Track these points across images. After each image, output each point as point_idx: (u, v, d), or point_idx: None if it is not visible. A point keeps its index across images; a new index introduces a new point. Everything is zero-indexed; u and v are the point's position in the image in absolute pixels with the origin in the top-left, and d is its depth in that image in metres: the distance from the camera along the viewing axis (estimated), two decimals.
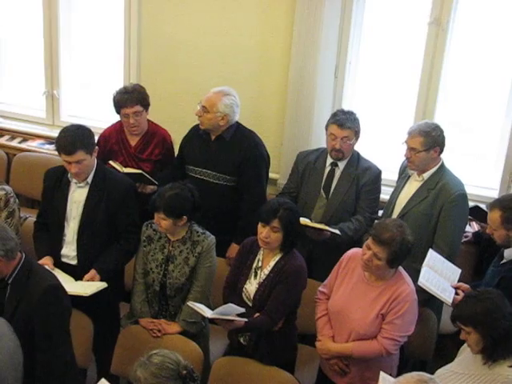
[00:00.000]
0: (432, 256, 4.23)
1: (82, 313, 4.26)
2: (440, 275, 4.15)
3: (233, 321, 3.91)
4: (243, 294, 4.13)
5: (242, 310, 3.92)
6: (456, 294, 4.07)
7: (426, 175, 4.50)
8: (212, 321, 4.29)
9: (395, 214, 4.56)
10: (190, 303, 4.07)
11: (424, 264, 4.15)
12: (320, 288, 4.16)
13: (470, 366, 3.43)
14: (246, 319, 3.93)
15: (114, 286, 4.39)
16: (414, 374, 2.90)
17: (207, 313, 3.93)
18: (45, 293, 3.58)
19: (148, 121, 5.12)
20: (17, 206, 4.49)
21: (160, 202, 4.10)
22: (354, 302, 3.91)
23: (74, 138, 4.22)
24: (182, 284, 4.24)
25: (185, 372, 2.75)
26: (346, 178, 4.78)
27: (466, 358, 3.49)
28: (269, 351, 4.07)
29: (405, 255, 3.78)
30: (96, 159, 4.39)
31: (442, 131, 4.45)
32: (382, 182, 4.88)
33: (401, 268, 3.90)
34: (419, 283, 3.98)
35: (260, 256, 4.13)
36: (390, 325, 3.82)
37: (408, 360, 4.50)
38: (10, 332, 3.46)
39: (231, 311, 3.90)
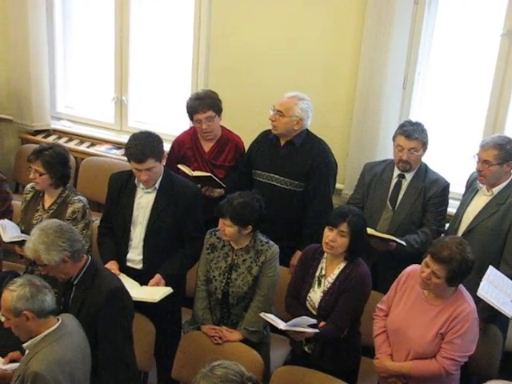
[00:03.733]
0: (492, 272, 4.14)
1: (144, 317, 4.31)
2: (500, 290, 4.06)
3: (304, 332, 3.90)
4: (307, 303, 4.11)
5: (314, 321, 3.91)
6: None
7: (496, 190, 4.41)
8: (273, 330, 4.29)
9: (462, 229, 4.48)
10: (263, 314, 4.05)
11: (484, 278, 4.06)
12: (378, 305, 4.10)
13: None
14: (316, 330, 3.90)
15: (176, 291, 4.41)
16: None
17: (280, 325, 3.91)
18: (109, 295, 3.64)
19: (221, 127, 5.15)
20: (91, 217, 4.55)
21: (228, 208, 4.11)
22: (412, 321, 3.84)
23: (144, 146, 4.25)
24: (245, 293, 4.24)
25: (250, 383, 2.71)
26: (412, 189, 4.72)
27: None
28: (332, 359, 4.05)
29: (465, 274, 3.69)
30: (164, 165, 4.43)
31: None
32: (450, 195, 4.80)
33: (462, 286, 3.81)
34: (478, 294, 3.90)
35: (323, 264, 4.11)
36: (450, 344, 3.74)
37: (471, 377, 4.40)
38: (80, 328, 3.55)
39: (303, 322, 3.89)
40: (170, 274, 4.39)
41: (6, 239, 4.43)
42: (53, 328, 3.38)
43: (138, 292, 4.13)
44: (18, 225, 4.64)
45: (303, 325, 3.88)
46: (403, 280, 3.97)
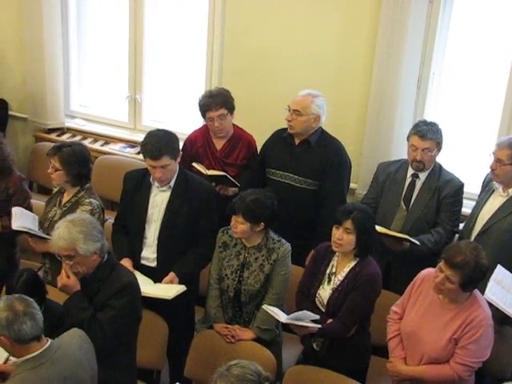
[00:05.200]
0: (500, 271, 4.13)
1: (157, 315, 4.31)
2: (508, 291, 4.04)
3: (307, 327, 3.90)
4: (316, 300, 4.12)
5: (317, 316, 3.91)
6: None
7: None
8: (286, 328, 4.28)
9: (477, 229, 4.47)
10: (265, 307, 4.07)
11: (491, 279, 4.04)
12: (393, 307, 4.08)
13: None
14: (319, 325, 3.91)
15: (189, 289, 4.40)
16: None
17: (282, 318, 3.93)
18: (122, 287, 3.67)
19: (233, 125, 5.16)
20: (101, 220, 4.52)
21: (240, 205, 4.11)
22: (426, 325, 3.82)
23: (160, 144, 4.26)
24: (257, 291, 4.24)
25: (267, 383, 2.70)
26: (426, 189, 4.71)
27: None
28: (341, 357, 4.04)
29: (479, 279, 3.66)
30: (178, 164, 4.43)
31: None
32: (464, 195, 4.79)
33: (477, 291, 3.78)
34: (485, 297, 3.87)
35: (334, 262, 4.11)
36: (464, 350, 3.71)
37: (485, 378, 4.38)
38: (82, 348, 3.43)
39: (306, 317, 3.89)
40: (184, 273, 4.39)
41: (14, 226, 4.45)
42: (32, 355, 3.18)
43: (151, 289, 4.14)
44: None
45: (306, 320, 3.89)
46: (418, 284, 3.95)
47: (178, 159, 4.37)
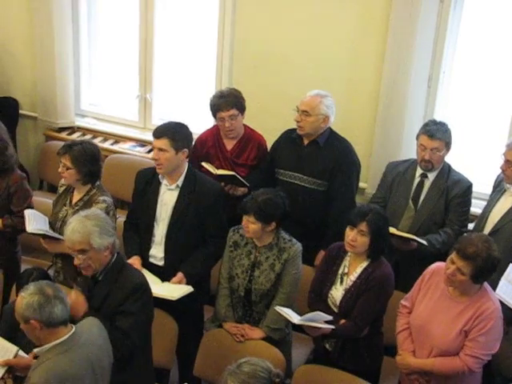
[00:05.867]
0: None
1: (167, 314, 4.32)
2: None
3: (319, 328, 3.90)
4: (329, 300, 4.12)
5: (330, 317, 3.91)
6: None
7: None
8: (295, 328, 4.28)
9: (487, 229, 4.46)
10: (278, 308, 4.07)
11: (503, 277, 4.07)
12: (402, 301, 4.10)
13: None
14: (332, 326, 3.91)
15: (199, 288, 4.42)
16: None
17: (294, 319, 3.92)
18: (132, 290, 3.66)
19: (244, 125, 5.16)
20: (115, 218, 4.54)
21: (252, 204, 4.12)
22: (436, 317, 3.83)
23: (166, 127, 4.34)
24: (267, 290, 4.24)
25: (278, 380, 2.69)
26: (435, 189, 4.70)
27: None
28: (354, 357, 4.05)
29: (490, 271, 3.68)
30: (188, 163, 4.44)
31: None
32: (475, 195, 4.79)
33: (486, 284, 3.81)
34: (495, 294, 3.88)
35: (346, 262, 4.12)
36: (474, 342, 3.73)
37: (495, 378, 4.37)
38: (100, 335, 3.47)
39: (319, 318, 3.90)
40: (192, 273, 4.39)
41: (28, 229, 4.46)
42: (62, 339, 3.26)
43: (158, 288, 4.14)
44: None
45: (319, 321, 3.89)
46: (427, 277, 3.96)
47: (182, 156, 4.34)
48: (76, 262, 3.73)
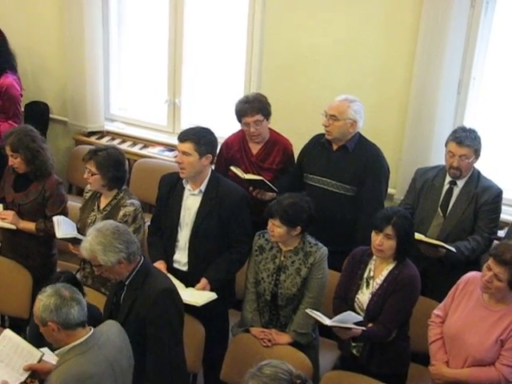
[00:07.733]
0: None
1: (194, 318, 4.32)
2: None
3: (350, 329, 3.88)
4: (355, 304, 4.10)
5: (360, 318, 3.91)
6: None
7: None
8: (322, 333, 4.26)
9: None
10: (309, 310, 4.05)
11: None
12: (435, 311, 4.06)
13: None
14: (363, 328, 3.89)
15: (224, 293, 4.43)
16: None
17: (326, 321, 3.90)
18: (160, 295, 3.66)
19: (270, 129, 5.16)
20: (143, 221, 4.57)
21: (277, 208, 4.12)
22: (471, 327, 3.79)
23: (192, 131, 4.35)
24: (294, 294, 4.23)
25: (299, 382, 2.69)
26: (464, 196, 4.66)
27: None
28: (381, 362, 4.02)
29: None
30: (211, 169, 4.45)
31: None
32: (505, 202, 4.73)
33: None
34: None
35: (371, 266, 4.10)
36: (510, 351, 3.68)
37: None
38: (119, 337, 3.48)
39: (350, 319, 3.88)
40: (216, 279, 4.39)
41: (58, 235, 4.50)
42: (80, 340, 3.27)
43: (182, 294, 4.14)
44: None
45: (350, 322, 3.87)
46: (461, 286, 3.93)
47: (206, 161, 4.34)
48: (96, 272, 3.81)
